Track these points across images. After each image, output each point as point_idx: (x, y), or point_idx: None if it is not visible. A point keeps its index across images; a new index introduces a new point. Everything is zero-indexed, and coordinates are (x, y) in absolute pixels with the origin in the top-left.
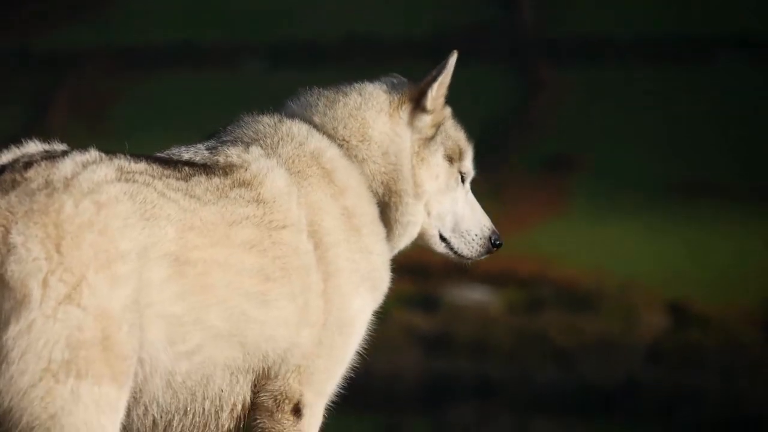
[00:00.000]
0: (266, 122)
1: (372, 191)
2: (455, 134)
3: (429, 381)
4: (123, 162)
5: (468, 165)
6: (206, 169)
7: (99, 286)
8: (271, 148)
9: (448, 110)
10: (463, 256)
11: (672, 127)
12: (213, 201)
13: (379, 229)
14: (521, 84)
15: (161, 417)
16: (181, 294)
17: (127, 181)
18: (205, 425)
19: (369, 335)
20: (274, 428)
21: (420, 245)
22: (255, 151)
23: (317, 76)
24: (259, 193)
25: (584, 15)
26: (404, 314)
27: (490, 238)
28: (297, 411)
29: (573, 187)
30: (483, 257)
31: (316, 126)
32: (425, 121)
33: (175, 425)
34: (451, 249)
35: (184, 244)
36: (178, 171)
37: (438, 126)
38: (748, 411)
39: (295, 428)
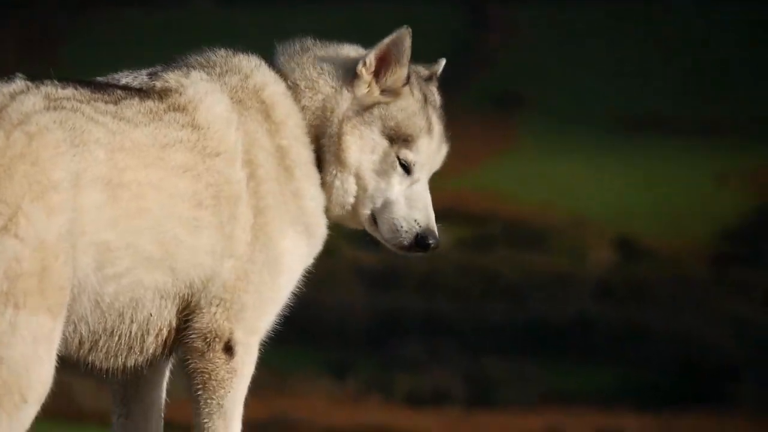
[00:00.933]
0: (220, 53)
1: (310, 138)
2: (406, 119)
3: (377, 317)
4: (50, 89)
5: (410, 154)
6: (141, 93)
7: (35, 217)
8: (218, 75)
9: (406, 92)
10: (387, 243)
11: (620, 63)
12: (145, 123)
13: (313, 173)
14: (470, 21)
15: (88, 337)
16: (115, 219)
17: (55, 109)
18: (129, 348)
19: (311, 275)
20: (206, 368)
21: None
22: (196, 75)
23: (268, 14)
24: (194, 118)
25: None
26: (352, 251)
27: (417, 235)
28: (228, 349)
29: (522, 123)
30: (408, 254)
31: (276, 64)
32: (361, 89)
33: (101, 345)
34: (380, 234)
35: (115, 165)
36: (109, 95)
37: (377, 102)
38: (697, 344)
39: (227, 366)
